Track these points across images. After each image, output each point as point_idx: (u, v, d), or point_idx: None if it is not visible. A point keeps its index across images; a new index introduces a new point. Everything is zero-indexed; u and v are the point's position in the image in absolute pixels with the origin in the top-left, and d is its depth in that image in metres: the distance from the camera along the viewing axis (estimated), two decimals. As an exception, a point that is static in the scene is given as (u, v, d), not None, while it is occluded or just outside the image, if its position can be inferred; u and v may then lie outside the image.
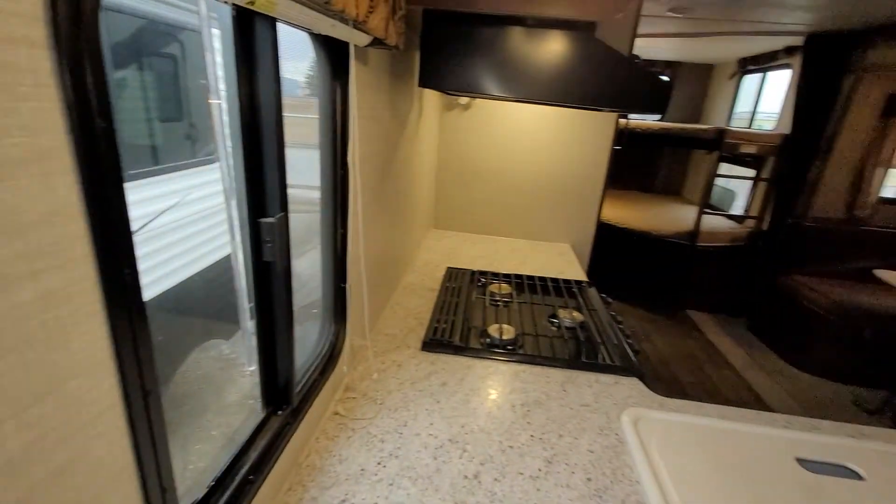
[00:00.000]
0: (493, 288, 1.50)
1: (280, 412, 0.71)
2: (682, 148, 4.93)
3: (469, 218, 2.18)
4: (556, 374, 1.06)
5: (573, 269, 1.82)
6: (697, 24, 3.06)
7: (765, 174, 3.69)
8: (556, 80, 0.93)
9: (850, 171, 3.19)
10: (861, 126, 3.08)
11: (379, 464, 0.76)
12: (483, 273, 1.63)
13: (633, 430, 0.87)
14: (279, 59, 0.56)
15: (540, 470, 0.77)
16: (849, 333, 2.82)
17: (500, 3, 0.88)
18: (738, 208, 4.34)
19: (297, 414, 0.73)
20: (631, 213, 4.16)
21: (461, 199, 2.15)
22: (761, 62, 4.08)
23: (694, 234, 3.65)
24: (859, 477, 0.82)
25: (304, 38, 0.69)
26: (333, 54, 0.75)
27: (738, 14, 2.73)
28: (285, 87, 0.57)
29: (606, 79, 0.91)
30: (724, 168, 4.49)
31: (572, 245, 2.15)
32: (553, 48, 0.96)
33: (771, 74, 4.21)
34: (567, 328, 1.28)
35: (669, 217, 4.12)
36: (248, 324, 1.90)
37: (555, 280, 1.60)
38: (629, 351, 1.17)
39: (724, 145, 3.48)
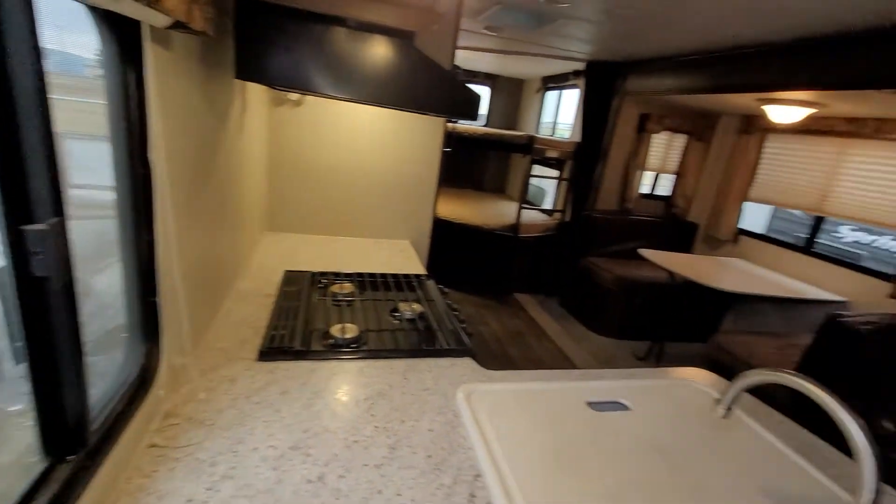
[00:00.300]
0: (335, 288, 1.49)
1: (70, 458, 0.59)
2: (502, 151, 5.55)
3: (307, 219, 2.10)
4: (399, 365, 1.11)
5: (413, 264, 1.92)
6: (509, 42, 3.49)
7: (565, 175, 4.42)
8: (381, 83, 0.97)
9: (620, 173, 4.05)
10: (625, 138, 3.94)
11: (210, 489, 0.69)
12: (324, 274, 1.60)
13: (466, 404, 0.98)
14: (36, 24, 0.46)
15: (384, 457, 0.81)
16: (627, 301, 3.60)
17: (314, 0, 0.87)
18: (548, 203, 5.10)
19: (95, 456, 0.62)
20: (465, 210, 4.53)
21: (298, 200, 2.06)
22: (558, 81, 4.85)
23: (516, 226, 4.17)
24: (627, 408, 1.07)
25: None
26: (121, 33, 0.65)
27: (538, 38, 3.21)
28: (66, 64, 0.48)
29: (426, 85, 0.99)
30: (538, 169, 5.23)
31: (412, 241, 2.25)
32: (378, 52, 1.00)
33: (566, 92, 5.05)
34: (408, 320, 1.35)
35: (496, 212, 4.62)
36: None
37: (395, 276, 1.66)
38: (463, 335, 1.29)
39: (533, 150, 4.05)
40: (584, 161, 4.09)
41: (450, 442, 0.87)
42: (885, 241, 3.77)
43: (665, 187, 4.29)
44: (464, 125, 4.65)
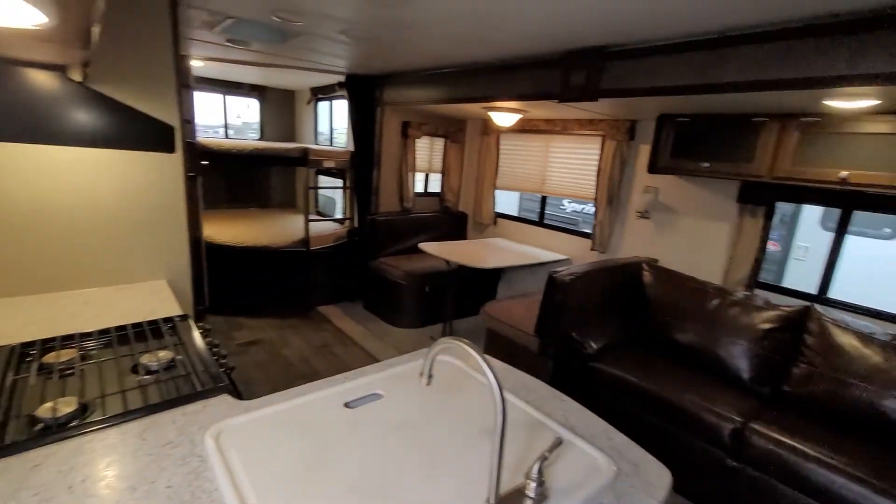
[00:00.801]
0: (50, 358, 1.24)
1: None
2: (276, 165, 5.37)
3: (15, 278, 1.67)
4: (134, 427, 1.01)
5: (167, 306, 1.72)
6: (264, 56, 3.38)
7: (348, 183, 4.54)
8: (33, 119, 0.85)
9: (395, 177, 4.39)
10: (392, 144, 4.27)
11: None
12: (31, 344, 1.31)
13: (214, 444, 0.96)
14: None
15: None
16: (418, 291, 3.94)
17: None
18: (339, 212, 5.17)
19: None
20: (248, 231, 4.23)
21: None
22: (326, 92, 4.92)
23: (306, 240, 4.10)
24: (381, 396, 1.21)
25: None
26: None
27: (289, 52, 3.19)
28: None
29: (101, 121, 0.91)
30: (323, 180, 5.22)
31: (170, 279, 2.01)
32: (22, 87, 0.87)
33: (336, 102, 5.16)
34: (152, 372, 1.22)
35: (285, 228, 4.45)
36: None
37: (139, 325, 1.47)
38: (220, 371, 1.24)
39: (309, 162, 4.04)
40: (361, 168, 4.28)
41: (191, 493, 0.84)
42: (590, 208, 5.05)
43: (436, 185, 4.83)
44: (232, 140, 4.31)
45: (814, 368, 2.16)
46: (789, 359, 2.27)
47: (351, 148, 4.38)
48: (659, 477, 1.07)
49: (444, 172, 4.68)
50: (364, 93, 4.09)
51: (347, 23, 2.39)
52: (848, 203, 2.42)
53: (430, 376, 0.95)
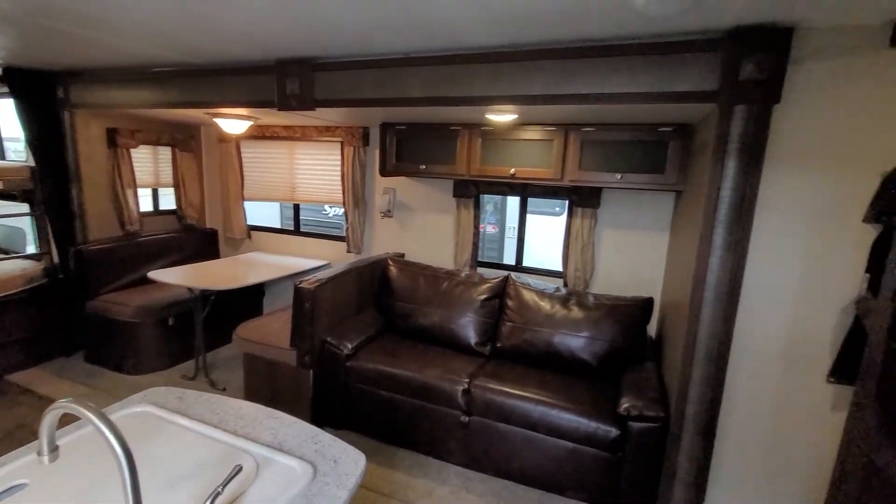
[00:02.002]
0: None
1: None
2: None
3: None
4: None
5: None
6: None
7: (36, 208, 3.51)
8: None
9: (108, 195, 3.61)
10: (96, 155, 3.50)
11: None
12: None
13: None
14: None
15: None
16: (157, 328, 3.37)
17: None
18: (33, 247, 3.96)
19: None
20: None
21: None
22: (-22, 88, 3.66)
23: (-34, 291, 3.01)
24: (24, 486, 0.97)
25: None
26: None
27: None
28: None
29: None
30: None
31: None
32: None
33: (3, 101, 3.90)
34: None
35: (-75, 280, 3.17)
36: None
37: None
38: None
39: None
40: (51, 187, 3.36)
41: None
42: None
43: (170, 201, 4.18)
44: None
45: (514, 324, 2.75)
46: (499, 320, 2.83)
47: (31, 162, 3.39)
48: (355, 465, 1.16)
49: (177, 186, 4.08)
50: (38, 91, 3.20)
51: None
52: (524, 192, 3.13)
53: (53, 450, 0.80)
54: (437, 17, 1.71)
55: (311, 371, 2.71)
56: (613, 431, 2.10)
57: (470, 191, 3.19)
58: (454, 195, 3.27)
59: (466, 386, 2.42)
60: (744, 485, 2.05)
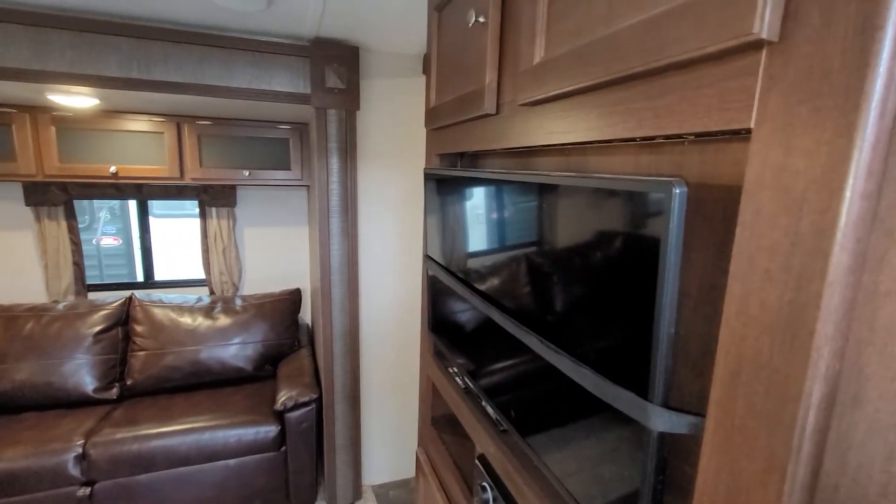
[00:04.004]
0: None
1: None
2: None
3: None
4: None
5: None
6: None
7: None
8: None
9: None
10: None
11: None
12: None
13: None
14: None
15: None
16: None
17: None
18: None
19: None
20: None
21: None
22: None
23: None
24: None
25: None
26: None
27: None
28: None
29: None
30: None
31: None
32: None
33: None
34: None
35: None
36: None
37: None
38: None
39: None
40: None
41: None
42: None
43: None
44: None
45: (148, 352, 2.30)
46: (126, 352, 2.31)
47: None
48: None
49: None
50: None
51: None
52: (140, 194, 2.62)
53: None
54: None
55: None
56: (273, 429, 2.09)
57: (55, 196, 2.41)
58: (28, 203, 2.39)
59: (81, 450, 1.86)
60: (388, 430, 2.46)
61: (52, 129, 2.13)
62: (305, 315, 2.99)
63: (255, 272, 2.90)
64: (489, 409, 0.98)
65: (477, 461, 1.00)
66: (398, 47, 1.99)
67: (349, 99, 1.93)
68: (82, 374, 2.18)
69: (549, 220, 0.68)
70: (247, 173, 2.41)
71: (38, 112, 2.10)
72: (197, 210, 2.74)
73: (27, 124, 2.09)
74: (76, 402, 2.16)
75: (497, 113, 0.88)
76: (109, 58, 1.66)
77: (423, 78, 2.13)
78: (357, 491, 2.29)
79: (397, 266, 2.30)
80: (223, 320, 2.41)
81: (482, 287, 0.92)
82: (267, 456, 2.10)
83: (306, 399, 2.11)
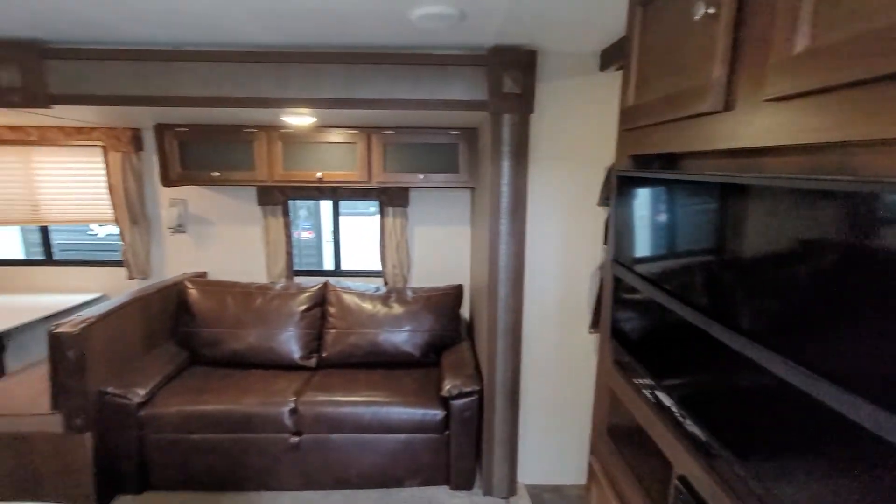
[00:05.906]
0: None
1: None
2: None
3: None
4: None
5: None
6: None
7: None
8: None
9: None
10: None
11: None
12: None
13: None
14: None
15: None
16: None
17: None
18: None
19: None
20: None
21: None
22: None
23: None
24: None
25: None
26: None
27: None
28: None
29: None
30: None
31: None
32: None
33: None
34: None
35: None
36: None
37: None
38: None
39: None
40: None
41: None
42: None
43: None
44: None
45: (338, 330, 2.70)
46: (322, 329, 2.74)
47: None
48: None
49: None
50: None
51: None
52: (335, 195, 3.08)
53: None
54: (196, 8, 1.53)
55: (89, 434, 2.17)
56: (440, 414, 2.26)
57: (276, 197, 2.99)
58: (259, 203, 3.02)
59: (293, 405, 2.28)
60: (544, 431, 2.45)
61: (280, 143, 2.64)
62: (463, 310, 3.16)
63: (421, 267, 3.17)
64: (695, 430, 0.91)
65: (677, 482, 0.94)
66: (575, 46, 1.96)
67: (524, 103, 1.97)
68: (291, 344, 2.66)
69: (813, 231, 0.60)
70: (421, 176, 2.65)
71: (271, 130, 2.62)
72: (373, 209, 3.11)
73: (263, 140, 2.63)
74: (285, 366, 2.65)
75: (725, 110, 0.80)
76: (326, 83, 1.99)
77: (599, 76, 2.06)
78: (512, 487, 2.34)
79: (561, 268, 2.27)
80: (397, 309, 2.70)
81: (700, 300, 0.85)
82: (432, 437, 2.29)
83: (470, 389, 2.24)
